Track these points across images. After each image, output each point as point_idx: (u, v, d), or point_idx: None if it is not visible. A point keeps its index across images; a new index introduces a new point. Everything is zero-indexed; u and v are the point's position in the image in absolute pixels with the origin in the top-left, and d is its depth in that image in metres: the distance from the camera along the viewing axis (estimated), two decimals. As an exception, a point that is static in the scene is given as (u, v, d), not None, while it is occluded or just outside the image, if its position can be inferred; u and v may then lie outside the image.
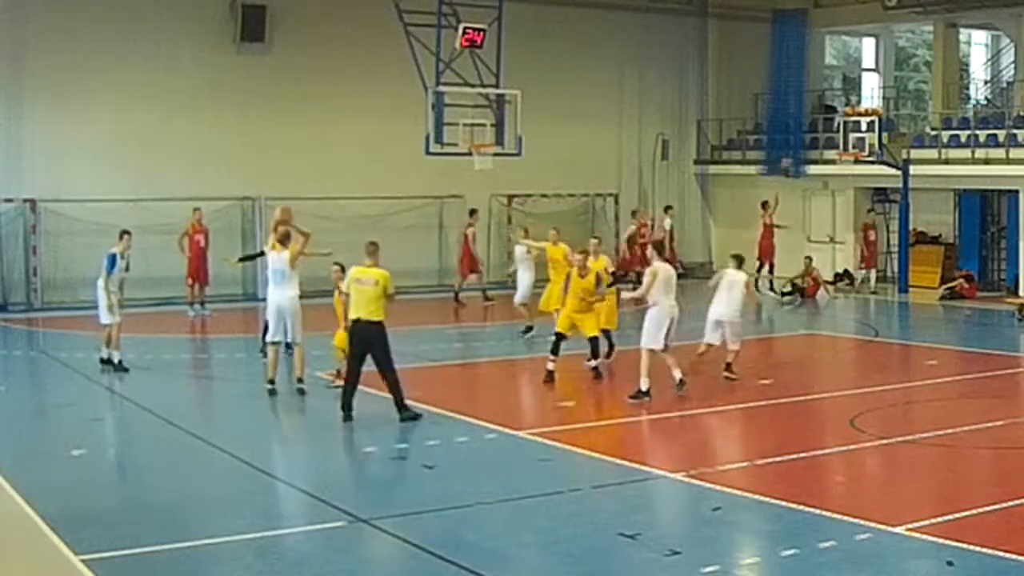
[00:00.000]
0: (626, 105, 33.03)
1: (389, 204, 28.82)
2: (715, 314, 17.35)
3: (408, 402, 14.54)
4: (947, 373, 18.52)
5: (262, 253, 18.66)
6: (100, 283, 18.03)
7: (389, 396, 14.81)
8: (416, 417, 14.38)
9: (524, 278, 22.23)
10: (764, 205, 29.07)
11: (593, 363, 17.47)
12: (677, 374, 15.92)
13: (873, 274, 29.26)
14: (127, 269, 18.26)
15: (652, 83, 33.38)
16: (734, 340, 17.30)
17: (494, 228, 30.34)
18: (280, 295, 15.86)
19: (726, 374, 17.18)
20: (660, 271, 15.74)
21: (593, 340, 17.42)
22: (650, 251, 16.42)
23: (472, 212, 28.24)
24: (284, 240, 15.96)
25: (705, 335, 17.36)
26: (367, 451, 13.64)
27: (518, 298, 22.08)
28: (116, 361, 17.89)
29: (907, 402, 16.61)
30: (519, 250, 22.58)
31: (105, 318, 18.00)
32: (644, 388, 15.61)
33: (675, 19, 33.53)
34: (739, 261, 17.82)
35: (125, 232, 18.38)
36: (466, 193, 29.38)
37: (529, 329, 21.13)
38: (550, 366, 17.14)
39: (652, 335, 15.73)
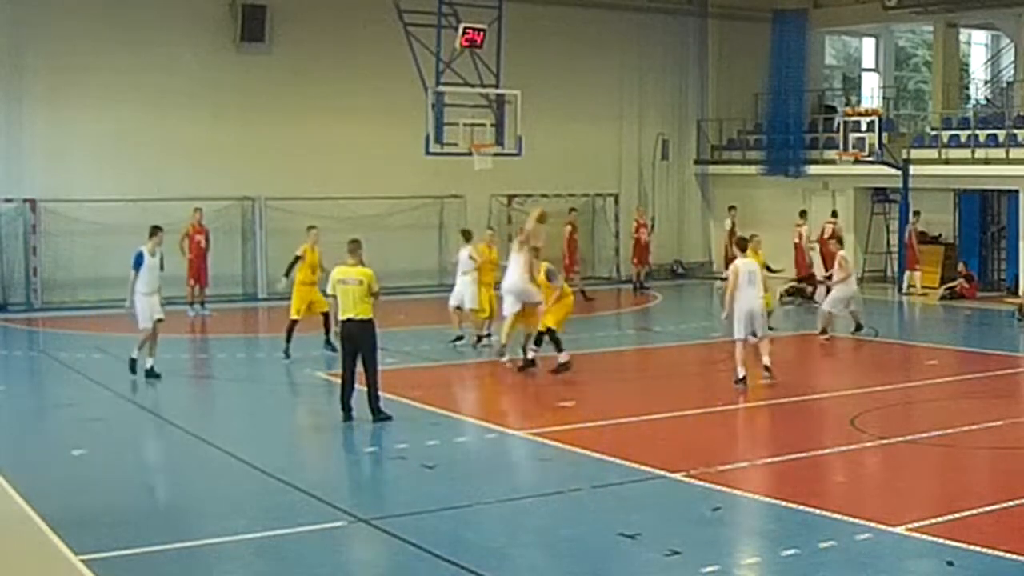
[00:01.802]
0: (626, 105, 33.05)
1: (389, 204, 28.83)
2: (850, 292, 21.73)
3: (409, 402, 14.54)
4: (947, 373, 18.52)
5: (297, 259, 19.84)
6: (131, 285, 17.23)
7: (391, 397, 14.83)
8: (388, 418, 14.35)
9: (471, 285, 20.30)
10: (803, 214, 28.61)
11: (532, 354, 17.71)
12: (765, 359, 16.78)
13: (918, 276, 28.87)
14: (162, 268, 17.48)
15: (652, 83, 33.40)
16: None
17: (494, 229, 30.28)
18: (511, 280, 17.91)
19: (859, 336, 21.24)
20: (741, 266, 16.71)
21: (550, 332, 17.62)
22: (733, 248, 18.05)
23: (572, 210, 28.88)
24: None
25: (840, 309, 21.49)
26: (367, 451, 13.65)
27: (469, 303, 20.29)
28: (132, 359, 17.21)
29: (907, 402, 16.60)
30: (464, 255, 20.47)
31: (140, 322, 17.15)
32: (740, 376, 16.46)
33: (675, 19, 33.55)
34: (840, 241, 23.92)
35: (156, 228, 17.67)
36: (466, 193, 29.40)
37: (460, 338, 20.46)
38: (531, 355, 17.62)
39: (736, 327, 16.63)
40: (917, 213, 29.16)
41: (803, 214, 29.06)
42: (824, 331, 21.33)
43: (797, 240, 28.30)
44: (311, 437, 14.38)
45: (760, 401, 15.92)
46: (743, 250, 17.14)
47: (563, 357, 17.57)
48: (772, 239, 28.52)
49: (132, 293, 17.13)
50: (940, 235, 30.61)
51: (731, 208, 30.41)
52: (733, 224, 29.09)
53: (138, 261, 17.12)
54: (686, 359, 19.73)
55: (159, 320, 17.19)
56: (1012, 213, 28.72)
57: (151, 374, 17.15)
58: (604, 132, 32.61)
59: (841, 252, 22.40)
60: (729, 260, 28.54)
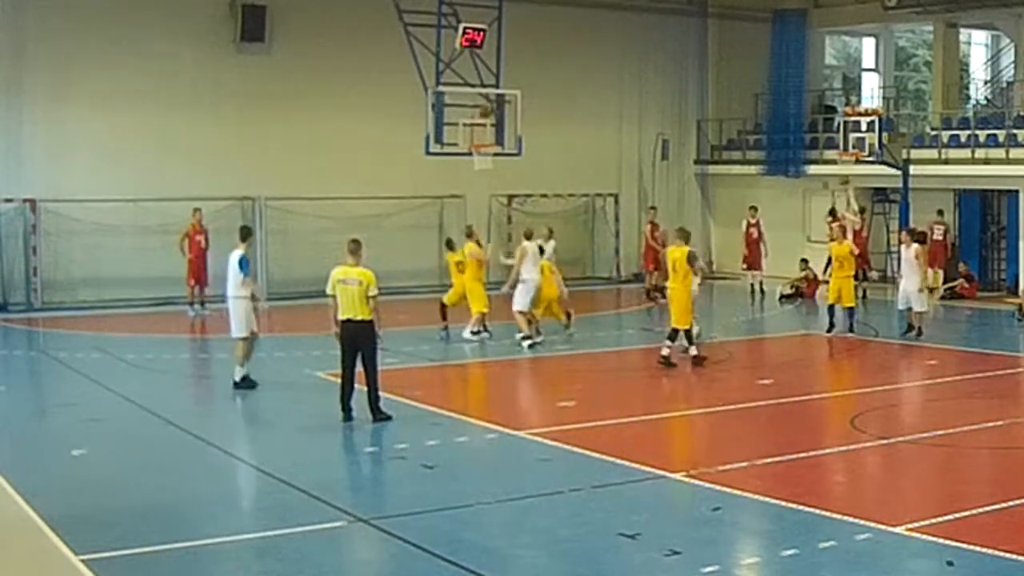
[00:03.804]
0: (626, 105, 33.04)
1: (389, 204, 28.82)
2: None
3: (409, 402, 14.51)
4: (947, 373, 18.52)
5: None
6: (232, 291, 16.54)
7: (391, 397, 14.84)
8: (388, 418, 14.36)
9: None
10: (833, 212, 28.17)
11: (693, 351, 18.52)
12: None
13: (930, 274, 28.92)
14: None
15: (652, 83, 33.39)
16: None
17: (494, 228, 30.30)
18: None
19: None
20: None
21: (687, 331, 18.52)
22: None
23: (652, 208, 29.22)
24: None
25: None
26: (367, 451, 13.65)
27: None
28: (241, 377, 16.59)
29: (907, 402, 16.61)
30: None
31: (241, 330, 16.56)
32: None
33: (675, 19, 33.54)
34: (914, 235, 22.77)
35: (249, 230, 17.13)
36: (466, 193, 29.39)
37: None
38: (665, 352, 18.28)
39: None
40: (940, 212, 29.16)
41: (862, 210, 28.93)
42: (919, 330, 21.34)
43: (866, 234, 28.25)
44: (311, 437, 14.37)
45: (760, 401, 15.91)
46: (686, 240, 18.87)
47: (693, 350, 18.57)
48: (773, 239, 28.79)
49: (243, 300, 16.47)
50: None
51: (752, 208, 29.78)
52: (748, 224, 28.93)
53: (245, 265, 16.39)
54: (686, 359, 19.71)
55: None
56: (1012, 213, 28.72)
57: (245, 383, 16.60)
58: (604, 132, 32.60)
59: (916, 246, 21.84)
60: (746, 260, 28.73)
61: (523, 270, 20.67)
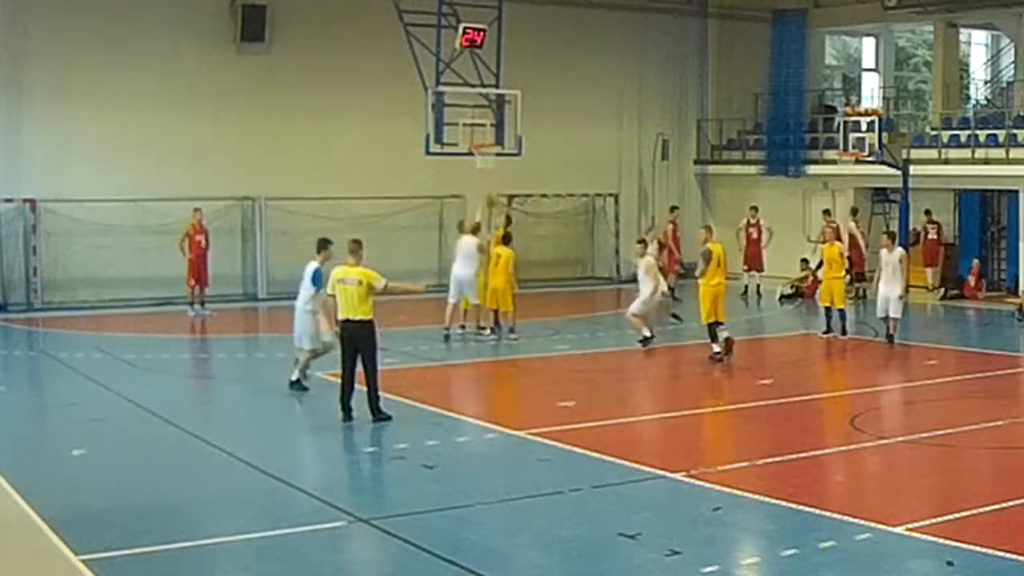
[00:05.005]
0: (626, 105, 33.03)
1: (389, 204, 28.82)
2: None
3: (409, 402, 14.50)
4: (947, 373, 18.53)
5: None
6: (303, 304, 16.15)
7: (391, 396, 14.84)
8: (388, 418, 14.36)
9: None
10: (828, 212, 27.78)
11: (716, 348, 18.79)
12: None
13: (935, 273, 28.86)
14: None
15: (652, 83, 33.37)
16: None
17: (494, 228, 30.21)
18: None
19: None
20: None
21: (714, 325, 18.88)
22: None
23: (674, 208, 29.30)
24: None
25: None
26: (367, 451, 13.66)
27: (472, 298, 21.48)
28: (302, 382, 16.31)
29: (907, 402, 16.61)
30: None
31: (310, 342, 16.13)
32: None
33: (675, 19, 33.53)
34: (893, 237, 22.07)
35: (328, 242, 16.23)
36: (466, 193, 29.37)
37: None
38: (717, 349, 18.71)
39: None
40: (928, 212, 29.16)
41: (854, 212, 28.86)
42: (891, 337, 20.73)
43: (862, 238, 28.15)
44: (311, 437, 14.39)
45: (760, 401, 15.92)
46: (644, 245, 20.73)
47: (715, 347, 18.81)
48: (773, 239, 28.80)
49: (312, 313, 15.92)
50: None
51: (752, 208, 29.56)
52: (747, 223, 28.89)
53: (318, 279, 15.81)
54: (686, 359, 19.74)
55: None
56: (1012, 213, 28.71)
57: (299, 387, 16.36)
58: (604, 132, 32.58)
59: (899, 249, 21.28)
60: (746, 260, 28.72)
61: (455, 263, 21.17)
